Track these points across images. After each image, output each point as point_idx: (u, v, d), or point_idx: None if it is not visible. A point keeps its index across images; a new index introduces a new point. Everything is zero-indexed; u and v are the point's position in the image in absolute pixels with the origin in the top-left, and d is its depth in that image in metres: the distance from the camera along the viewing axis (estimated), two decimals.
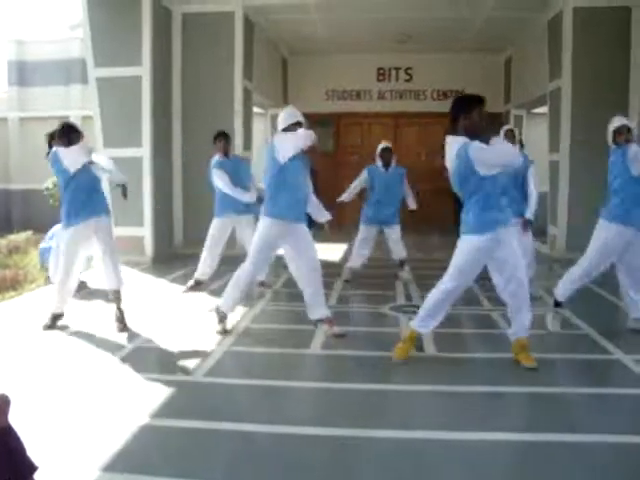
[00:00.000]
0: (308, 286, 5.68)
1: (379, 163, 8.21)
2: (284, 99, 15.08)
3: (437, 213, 14.17)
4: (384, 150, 8.18)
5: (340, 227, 8.47)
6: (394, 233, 8.31)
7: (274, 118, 14.96)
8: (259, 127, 14.41)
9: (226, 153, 7.55)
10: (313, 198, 5.89)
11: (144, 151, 9.46)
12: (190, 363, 4.90)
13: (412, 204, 8.45)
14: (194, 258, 9.51)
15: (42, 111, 16.05)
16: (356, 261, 8.34)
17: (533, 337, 5.12)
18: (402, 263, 8.41)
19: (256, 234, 5.66)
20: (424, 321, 4.98)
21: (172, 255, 10.20)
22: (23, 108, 16.83)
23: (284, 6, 10.81)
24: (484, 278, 5.13)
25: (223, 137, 7.58)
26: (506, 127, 7.53)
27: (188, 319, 6.36)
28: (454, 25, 12.31)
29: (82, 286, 7.77)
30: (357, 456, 3.45)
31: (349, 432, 3.70)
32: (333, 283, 7.87)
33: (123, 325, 5.92)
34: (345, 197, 8.29)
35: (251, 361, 5.20)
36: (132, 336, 5.66)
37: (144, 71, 9.44)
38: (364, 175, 8.28)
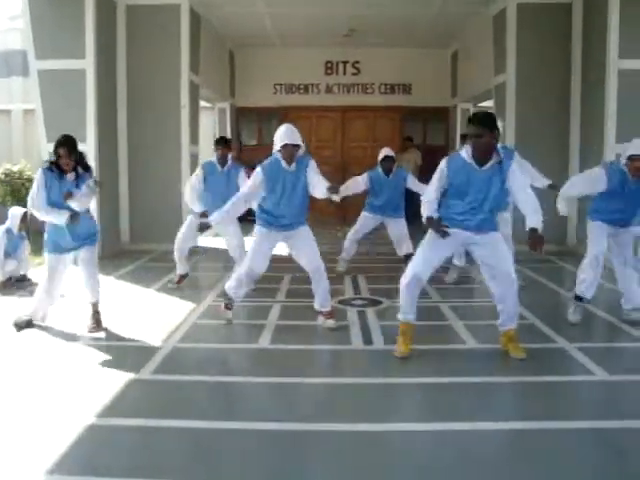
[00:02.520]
0: (313, 281, 5.86)
1: (380, 170, 8.12)
2: (231, 93, 14.98)
3: None
4: (385, 159, 8.05)
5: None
6: (399, 225, 8.23)
7: (221, 112, 14.89)
8: (206, 121, 14.32)
9: (224, 160, 7.27)
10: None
11: (89, 146, 9.23)
12: (138, 360, 4.83)
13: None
14: (142, 254, 9.46)
15: None
16: (349, 252, 8.42)
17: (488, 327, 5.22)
18: (407, 258, 8.28)
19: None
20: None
21: (119, 251, 10.05)
22: None
23: None
24: None
25: (220, 143, 7.33)
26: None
27: (136, 316, 6.29)
28: (401, 20, 12.39)
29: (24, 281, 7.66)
30: (310, 450, 3.47)
31: (301, 426, 3.71)
32: (282, 278, 7.86)
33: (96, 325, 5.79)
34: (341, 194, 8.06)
35: (199, 357, 5.17)
36: (79, 334, 5.56)
37: (88, 64, 9.22)
38: (363, 178, 8.16)
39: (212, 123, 15.01)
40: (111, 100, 10.12)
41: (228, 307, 5.95)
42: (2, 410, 3.91)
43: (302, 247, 5.81)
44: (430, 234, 4.93)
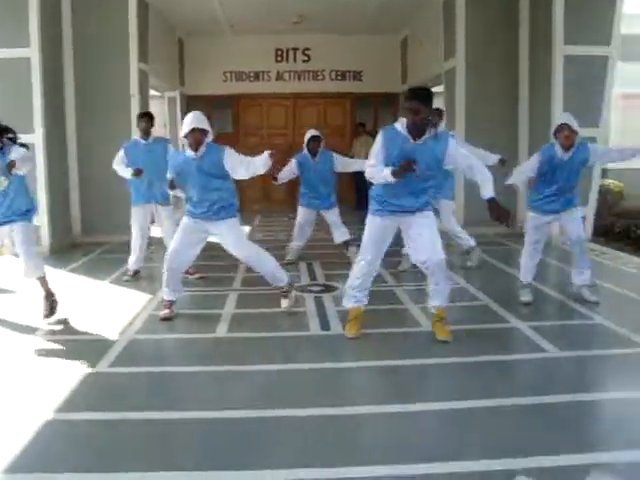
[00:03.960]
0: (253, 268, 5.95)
1: (306, 152, 8.10)
2: (181, 81, 14.81)
3: (339, 194, 14.32)
4: (311, 140, 8.03)
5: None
6: (333, 215, 8.30)
7: (171, 100, 14.71)
8: (156, 110, 14.11)
9: (146, 134, 7.30)
10: None
11: (36, 137, 9.04)
12: (95, 353, 4.78)
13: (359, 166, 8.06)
14: (94, 246, 9.33)
15: None
16: (298, 243, 8.46)
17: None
18: (347, 244, 8.34)
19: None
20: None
21: (71, 245, 9.89)
22: None
23: None
24: None
25: (142, 117, 7.37)
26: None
27: (91, 310, 6.21)
28: (351, 6, 12.39)
29: None
30: (269, 436, 3.49)
31: (260, 413, 3.73)
32: (237, 266, 7.84)
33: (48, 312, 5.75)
34: (280, 179, 7.94)
35: (157, 349, 5.15)
36: (33, 329, 5.47)
37: (33, 52, 8.98)
38: (293, 165, 8.13)
39: (162, 112, 14.82)
40: (58, 89, 9.90)
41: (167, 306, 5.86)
42: None
43: (227, 238, 5.75)
44: (371, 222, 5.02)
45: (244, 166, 5.48)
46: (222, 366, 4.60)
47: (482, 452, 3.21)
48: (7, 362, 4.69)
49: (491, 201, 4.76)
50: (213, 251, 6.51)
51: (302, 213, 8.35)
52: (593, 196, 9.89)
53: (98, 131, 10.06)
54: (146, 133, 7.30)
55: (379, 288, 6.55)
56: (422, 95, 4.72)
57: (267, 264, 5.91)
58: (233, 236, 5.78)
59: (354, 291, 5.22)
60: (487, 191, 4.78)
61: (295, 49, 15.25)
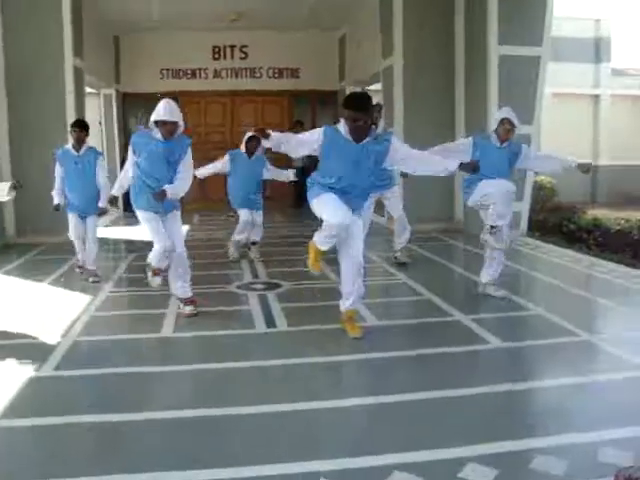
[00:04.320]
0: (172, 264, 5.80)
1: (242, 150, 8.09)
2: (116, 79, 14.58)
3: (276, 193, 14.36)
4: (250, 139, 7.98)
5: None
6: (259, 217, 8.32)
7: (107, 98, 14.46)
8: (91, 107, 13.84)
9: (79, 144, 7.09)
10: None
11: None
12: (37, 357, 4.67)
13: (290, 176, 8.38)
14: (30, 247, 9.08)
15: None
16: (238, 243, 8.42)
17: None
18: (254, 244, 8.42)
19: None
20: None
21: (4, 246, 9.62)
22: None
23: None
24: None
25: (75, 126, 7.15)
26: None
27: (30, 312, 6.05)
28: (288, 3, 12.43)
29: None
30: (225, 433, 3.49)
31: (210, 412, 3.72)
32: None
33: None
34: (201, 173, 7.99)
35: (101, 350, 5.06)
36: None
37: None
38: (225, 160, 8.14)
39: (97, 109, 14.55)
40: None
41: (156, 273, 5.78)
42: None
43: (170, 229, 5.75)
44: (322, 196, 4.89)
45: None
46: (168, 366, 4.56)
47: (431, 442, 3.29)
48: None
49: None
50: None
51: (245, 213, 8.26)
52: (527, 192, 10.16)
53: (31, 127, 9.79)
54: (78, 142, 7.08)
55: (325, 285, 6.62)
56: (361, 104, 4.74)
57: (186, 267, 5.88)
58: (176, 226, 5.81)
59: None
60: (452, 164, 4.98)
61: (232, 46, 15.21)
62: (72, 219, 7.23)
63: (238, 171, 8.11)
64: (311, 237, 4.99)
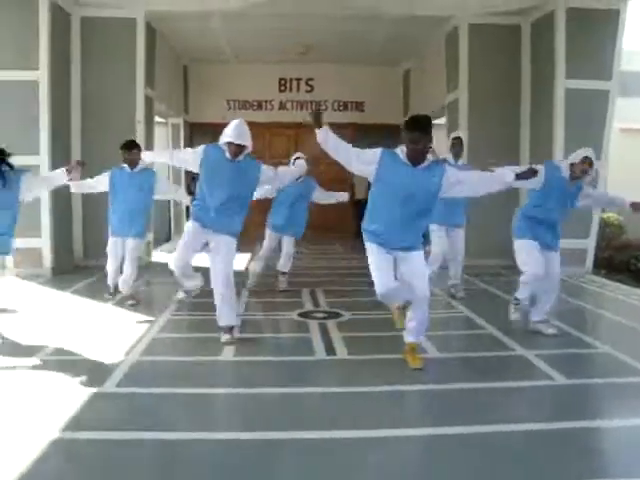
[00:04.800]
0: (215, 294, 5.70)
1: None
2: (185, 108, 14.94)
3: (338, 223, 14.46)
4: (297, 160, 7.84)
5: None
6: (288, 244, 8.22)
7: (175, 127, 14.83)
8: (160, 136, 14.21)
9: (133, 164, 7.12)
10: None
11: (42, 159, 9.10)
12: (101, 374, 4.76)
13: (344, 197, 8.38)
14: (96, 270, 9.28)
15: None
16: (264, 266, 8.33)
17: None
18: (284, 274, 8.33)
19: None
20: None
21: (72, 267, 9.88)
22: None
23: (187, 14, 10.69)
24: None
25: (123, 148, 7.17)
26: (453, 135, 8.01)
27: (95, 331, 6.18)
28: (355, 38, 12.58)
29: None
30: (278, 457, 3.47)
31: (269, 435, 3.71)
32: (240, 292, 7.87)
33: None
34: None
35: (162, 370, 5.10)
36: (38, 349, 5.44)
37: (42, 75, 9.09)
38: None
39: (166, 138, 14.91)
40: (65, 112, 9.99)
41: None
42: None
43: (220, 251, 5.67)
44: (371, 252, 4.95)
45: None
46: (228, 388, 4.60)
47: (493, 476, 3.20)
48: (12, 381, 4.66)
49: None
50: None
51: (268, 237, 8.21)
52: (594, 229, 9.95)
53: (102, 155, 10.05)
54: (132, 163, 7.09)
55: (385, 316, 6.56)
56: (422, 125, 4.71)
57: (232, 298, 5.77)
58: (224, 253, 5.67)
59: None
60: (509, 174, 4.95)
61: (298, 79, 15.43)
62: (111, 240, 7.25)
63: (283, 194, 8.02)
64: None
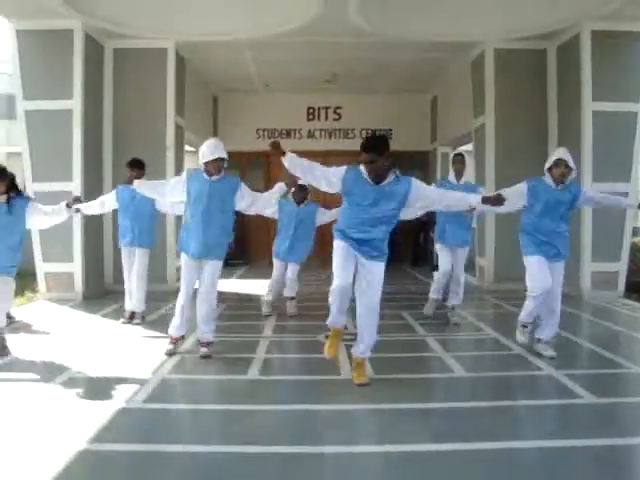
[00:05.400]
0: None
1: (290, 198, 8.08)
2: (214, 137, 15.12)
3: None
4: (299, 188, 7.98)
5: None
6: (293, 269, 8.18)
7: None
8: (190, 164, 14.41)
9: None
10: None
11: (74, 185, 9.31)
12: (128, 390, 4.82)
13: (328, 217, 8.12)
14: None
15: None
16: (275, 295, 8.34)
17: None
18: (292, 299, 8.29)
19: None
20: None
21: (103, 291, 10.01)
22: None
23: (217, 44, 10.93)
24: None
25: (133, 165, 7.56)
26: (455, 152, 7.97)
27: (124, 351, 6.26)
28: (382, 66, 12.71)
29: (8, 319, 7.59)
30: (302, 471, 3.47)
31: (293, 449, 3.72)
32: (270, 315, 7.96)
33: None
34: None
35: (189, 387, 5.16)
36: (68, 367, 5.52)
37: (75, 104, 9.34)
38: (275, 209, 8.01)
39: (196, 167, 15.10)
40: (97, 140, 10.22)
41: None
42: (1, 442, 3.87)
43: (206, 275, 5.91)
44: (336, 250, 5.00)
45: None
46: (252, 405, 4.60)
47: None
48: (43, 396, 4.73)
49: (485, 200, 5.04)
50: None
51: (277, 266, 8.22)
52: (625, 253, 9.83)
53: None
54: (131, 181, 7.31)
55: (413, 338, 6.58)
56: (372, 145, 4.84)
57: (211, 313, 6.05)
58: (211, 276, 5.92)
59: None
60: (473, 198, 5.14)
61: (327, 107, 15.60)
62: (124, 252, 7.68)
63: (284, 220, 8.07)
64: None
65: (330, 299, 5.03)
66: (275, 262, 8.22)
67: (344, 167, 4.99)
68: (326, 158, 15.68)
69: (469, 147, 12.64)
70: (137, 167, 7.49)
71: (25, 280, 9.49)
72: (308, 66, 12.63)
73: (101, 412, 4.30)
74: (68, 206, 6.28)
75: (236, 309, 8.44)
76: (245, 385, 5.19)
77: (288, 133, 15.69)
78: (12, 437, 3.88)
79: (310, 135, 15.73)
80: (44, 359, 5.80)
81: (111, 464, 3.59)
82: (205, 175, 5.78)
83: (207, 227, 5.76)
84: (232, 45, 11.11)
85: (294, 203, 8.08)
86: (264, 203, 6.20)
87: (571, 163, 5.73)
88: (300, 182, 7.80)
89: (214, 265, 5.89)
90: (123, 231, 7.61)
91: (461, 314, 8.13)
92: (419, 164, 15.57)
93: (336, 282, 4.92)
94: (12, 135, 14.55)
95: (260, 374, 5.40)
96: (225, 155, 5.80)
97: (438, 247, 7.57)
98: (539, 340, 6.01)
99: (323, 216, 8.12)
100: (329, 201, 8.17)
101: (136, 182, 6.44)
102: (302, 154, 13.66)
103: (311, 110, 15.68)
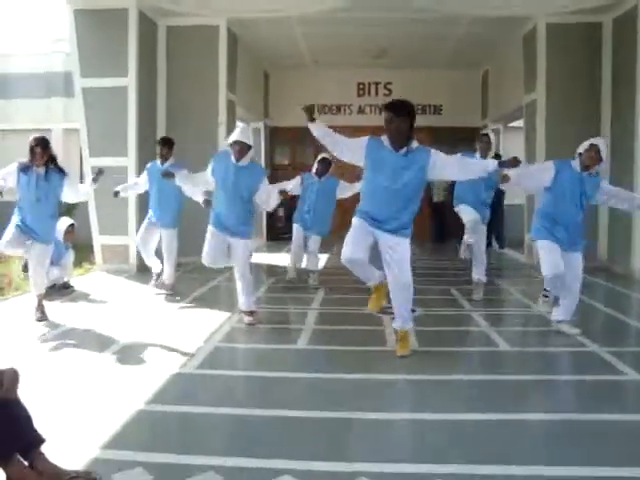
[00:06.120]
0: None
1: (313, 172, 8.36)
2: (265, 113, 15.30)
3: (415, 226, 14.50)
4: (321, 161, 8.27)
5: None
6: (314, 243, 8.43)
7: (255, 131, 15.18)
8: None
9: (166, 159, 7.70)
10: None
11: (129, 160, 9.59)
12: (182, 357, 5.05)
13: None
14: (178, 266, 9.64)
15: (24, 123, 16.05)
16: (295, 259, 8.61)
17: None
18: (313, 272, 8.51)
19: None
20: None
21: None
22: (4, 120, 16.82)
23: (267, 20, 11.04)
24: None
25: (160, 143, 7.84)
26: (481, 132, 7.83)
27: (176, 321, 6.51)
28: (432, 40, 12.64)
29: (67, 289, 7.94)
30: (341, 433, 3.64)
31: (335, 414, 3.88)
32: (317, 289, 8.13)
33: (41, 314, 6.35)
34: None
35: (240, 355, 5.39)
36: (124, 334, 5.77)
37: (130, 82, 9.60)
38: (297, 181, 8.40)
39: None
40: (151, 116, 10.48)
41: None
42: (60, 399, 4.09)
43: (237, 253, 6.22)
44: (354, 225, 5.05)
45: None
46: (298, 373, 4.78)
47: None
48: (102, 362, 4.98)
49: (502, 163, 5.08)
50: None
51: (295, 231, 8.50)
52: None
53: (186, 158, 10.44)
54: (165, 158, 7.69)
55: (457, 313, 6.66)
56: (395, 106, 4.93)
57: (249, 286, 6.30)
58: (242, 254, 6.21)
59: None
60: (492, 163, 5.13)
61: (377, 83, 15.58)
62: (144, 224, 7.97)
63: (307, 193, 8.33)
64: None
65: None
66: (294, 227, 8.50)
67: (366, 137, 5.04)
68: (376, 133, 15.69)
69: (520, 123, 12.52)
70: (167, 145, 7.77)
71: (83, 252, 9.83)
72: (358, 41, 12.62)
73: (157, 377, 4.53)
74: (94, 180, 6.70)
75: (284, 282, 8.62)
76: (292, 354, 5.38)
77: (338, 109, 15.74)
78: (73, 399, 4.12)
79: (360, 111, 15.75)
80: (102, 327, 6.08)
81: (164, 424, 3.81)
82: (232, 158, 6.03)
83: (230, 211, 6.09)
84: (283, 21, 11.21)
85: (315, 176, 8.32)
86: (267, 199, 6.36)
87: (603, 154, 5.65)
88: (324, 155, 7.99)
89: (243, 244, 6.17)
90: (151, 206, 7.90)
91: (509, 290, 8.19)
92: (468, 140, 15.44)
93: (342, 255, 5.01)
94: (69, 112, 14.91)
95: (307, 344, 5.58)
96: (247, 141, 6.01)
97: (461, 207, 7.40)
98: (560, 322, 5.93)
99: (345, 190, 8.32)
100: (350, 179, 8.28)
101: (178, 177, 6.85)
102: (352, 130, 13.89)
103: (361, 86, 15.68)
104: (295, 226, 8.51)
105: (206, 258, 6.29)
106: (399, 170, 4.90)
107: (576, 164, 5.71)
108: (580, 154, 5.70)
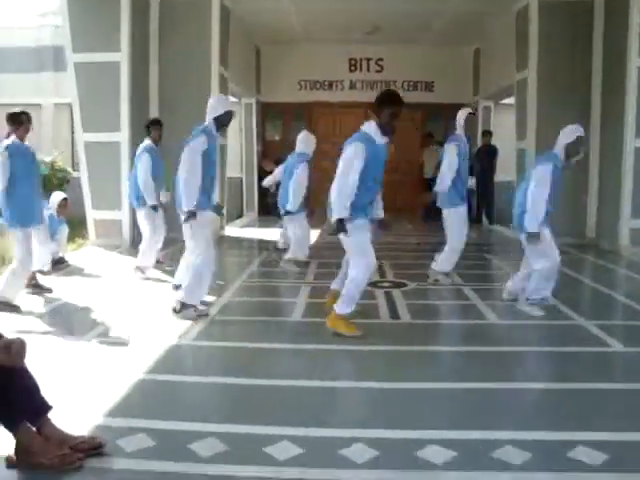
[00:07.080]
0: None
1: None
2: (257, 88, 15.27)
3: (408, 202, 14.67)
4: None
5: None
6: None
7: (247, 107, 15.19)
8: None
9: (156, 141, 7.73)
10: None
11: (122, 135, 9.60)
12: (179, 328, 5.15)
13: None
14: (172, 241, 9.68)
15: (13, 97, 15.92)
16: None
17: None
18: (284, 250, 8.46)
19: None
20: None
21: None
22: None
23: None
24: None
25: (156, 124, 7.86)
26: (466, 110, 7.44)
27: (172, 295, 6.58)
28: (424, 17, 12.63)
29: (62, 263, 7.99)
30: (339, 401, 3.79)
31: (332, 384, 4.02)
32: (308, 263, 8.20)
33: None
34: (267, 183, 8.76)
35: (234, 327, 5.49)
36: (120, 308, 5.87)
37: (122, 56, 9.58)
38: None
39: (238, 118, 15.29)
40: (144, 92, 10.45)
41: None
42: (65, 371, 4.19)
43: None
44: (361, 229, 5.03)
45: None
46: (294, 344, 4.94)
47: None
48: (101, 334, 5.07)
49: None
50: None
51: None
52: None
53: (178, 134, 10.45)
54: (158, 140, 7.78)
55: (447, 286, 6.79)
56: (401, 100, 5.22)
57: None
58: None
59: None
60: None
61: (368, 59, 15.55)
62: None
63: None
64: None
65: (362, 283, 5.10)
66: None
67: (359, 148, 4.98)
68: (367, 109, 15.70)
69: (511, 100, 12.57)
70: (159, 125, 7.89)
71: (75, 227, 9.87)
72: (350, 17, 12.60)
73: (156, 348, 4.63)
74: None
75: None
76: (289, 325, 5.53)
77: (330, 84, 15.71)
78: (75, 370, 4.23)
79: (352, 86, 15.72)
80: (98, 301, 6.16)
81: (165, 392, 3.93)
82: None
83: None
84: None
85: None
86: None
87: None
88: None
89: None
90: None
91: (499, 264, 8.32)
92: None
93: (369, 259, 4.99)
94: (60, 86, 14.82)
95: (303, 316, 5.72)
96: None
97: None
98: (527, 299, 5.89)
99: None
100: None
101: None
102: (344, 105, 13.68)
103: (353, 61, 15.64)
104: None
105: None
106: (384, 157, 5.14)
107: (561, 154, 5.70)
108: (567, 144, 5.68)
